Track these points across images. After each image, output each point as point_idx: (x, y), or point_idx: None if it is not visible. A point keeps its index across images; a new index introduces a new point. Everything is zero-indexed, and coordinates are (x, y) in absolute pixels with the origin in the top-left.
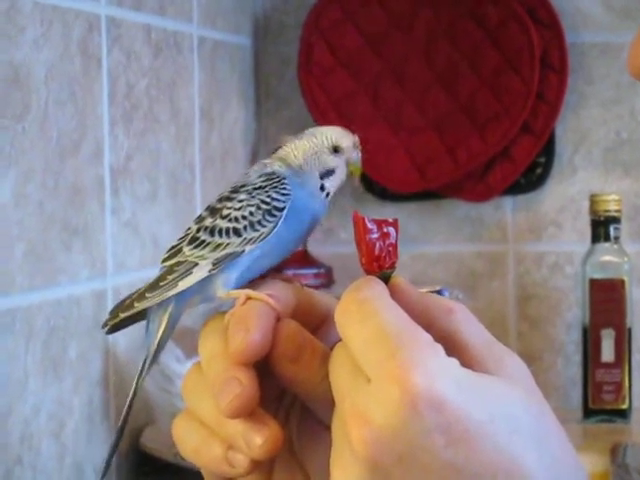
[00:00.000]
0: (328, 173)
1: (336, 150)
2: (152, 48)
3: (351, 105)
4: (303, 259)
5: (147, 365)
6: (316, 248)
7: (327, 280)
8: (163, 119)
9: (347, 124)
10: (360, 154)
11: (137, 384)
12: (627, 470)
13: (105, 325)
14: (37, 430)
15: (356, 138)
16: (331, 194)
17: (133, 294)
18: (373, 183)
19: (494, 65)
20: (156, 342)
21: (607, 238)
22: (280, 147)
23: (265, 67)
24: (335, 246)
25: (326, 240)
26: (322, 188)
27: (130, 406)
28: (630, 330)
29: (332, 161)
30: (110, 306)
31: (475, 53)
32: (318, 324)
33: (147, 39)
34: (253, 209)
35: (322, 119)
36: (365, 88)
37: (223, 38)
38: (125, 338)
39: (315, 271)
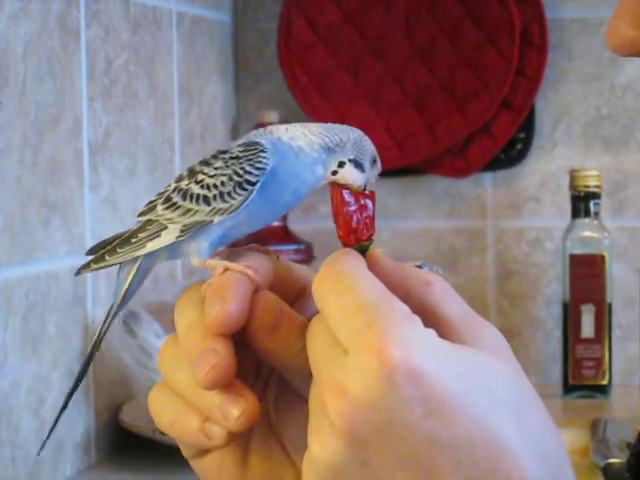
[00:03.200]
0: (358, 165)
1: (374, 161)
2: (131, 23)
3: (330, 81)
4: (283, 235)
5: (112, 312)
6: (296, 224)
7: (307, 256)
8: (142, 95)
9: (327, 100)
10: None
11: (101, 330)
12: (607, 445)
13: (78, 273)
14: (16, 406)
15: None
16: (338, 177)
17: (109, 242)
18: None
19: (474, 41)
20: (123, 291)
21: (587, 213)
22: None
23: (244, 43)
24: (315, 222)
25: (306, 216)
26: (341, 165)
27: (92, 351)
28: (610, 306)
29: (367, 165)
30: (89, 282)
31: (455, 29)
32: (296, 296)
33: (126, 14)
34: (225, 179)
35: (301, 95)
36: (345, 64)
37: (202, 14)
38: (104, 312)
39: (295, 247)
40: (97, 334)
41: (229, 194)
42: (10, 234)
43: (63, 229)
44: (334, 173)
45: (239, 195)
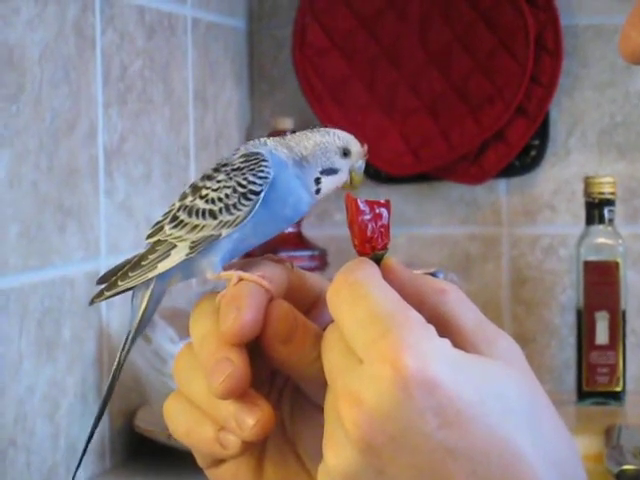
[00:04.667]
0: (330, 171)
1: (345, 153)
2: (146, 29)
3: (345, 87)
4: (297, 241)
5: (130, 339)
6: (310, 230)
7: (321, 263)
8: (157, 101)
9: (341, 107)
10: (364, 165)
11: (120, 358)
12: (621, 452)
13: (92, 302)
14: (31, 411)
15: (365, 148)
16: (322, 193)
17: (119, 268)
18: (368, 166)
19: (488, 47)
20: (138, 317)
21: (601, 220)
22: (285, 132)
23: (259, 49)
24: (330, 228)
25: (321, 222)
26: (317, 182)
27: (114, 379)
28: (624, 312)
29: (338, 162)
30: None
31: (469, 35)
32: (310, 305)
33: (141, 20)
34: (229, 191)
35: (316, 101)
36: (359, 70)
37: (217, 20)
38: (118, 318)
39: (309, 253)
40: (117, 361)
41: (234, 206)
42: (26, 239)
43: (78, 234)
44: (318, 191)
45: (244, 206)
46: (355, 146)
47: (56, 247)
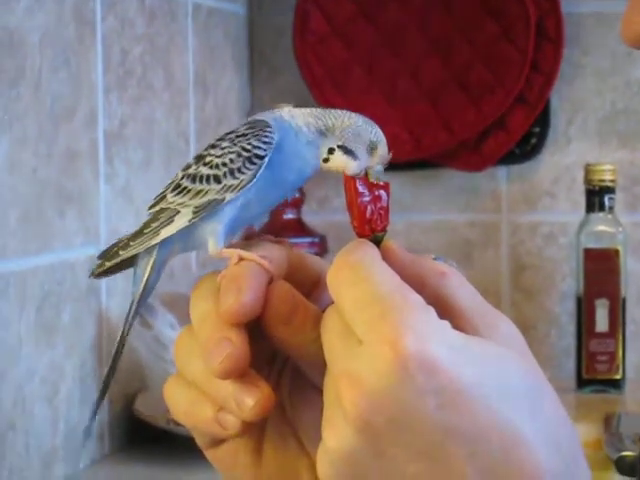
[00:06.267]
0: (348, 151)
1: (372, 148)
2: (146, 14)
3: (346, 74)
4: (297, 228)
5: (133, 311)
6: (310, 217)
7: (321, 249)
8: (157, 86)
9: (342, 93)
10: (382, 171)
11: (124, 331)
12: (620, 438)
13: (92, 274)
14: (30, 395)
15: (389, 156)
16: (329, 165)
17: (120, 242)
18: None
19: (489, 34)
20: (141, 287)
21: (602, 208)
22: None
23: (260, 35)
24: (329, 215)
25: (320, 209)
26: (330, 151)
27: (117, 354)
28: (624, 300)
29: (360, 152)
30: None
31: (470, 22)
32: (310, 287)
33: (141, 5)
34: (233, 156)
35: (317, 88)
36: (360, 57)
37: (218, 5)
38: (118, 303)
39: (309, 240)
40: (120, 335)
41: (239, 170)
42: (26, 224)
43: (78, 220)
44: (326, 160)
45: (249, 170)
46: (383, 149)
47: (56, 232)
